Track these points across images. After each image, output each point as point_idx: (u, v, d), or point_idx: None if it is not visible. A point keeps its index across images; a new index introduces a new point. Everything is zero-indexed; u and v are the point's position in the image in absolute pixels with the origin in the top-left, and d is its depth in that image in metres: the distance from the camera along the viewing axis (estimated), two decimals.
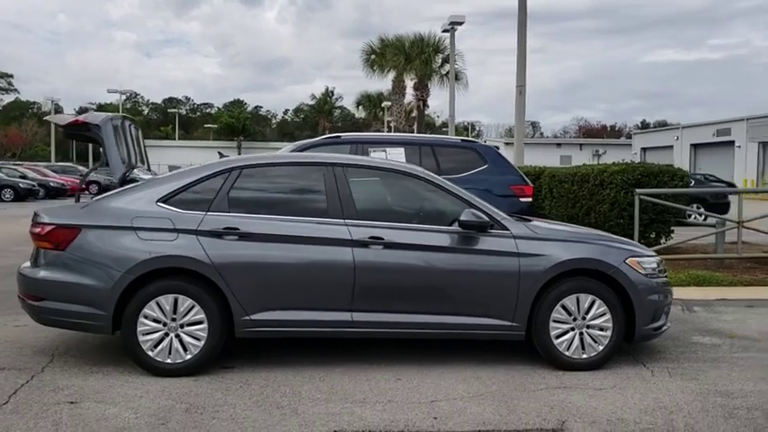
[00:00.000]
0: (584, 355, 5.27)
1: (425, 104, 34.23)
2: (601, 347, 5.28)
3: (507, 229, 5.29)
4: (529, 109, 26.40)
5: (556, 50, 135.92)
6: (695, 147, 54.39)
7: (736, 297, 8.06)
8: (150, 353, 4.93)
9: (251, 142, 75.78)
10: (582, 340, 5.27)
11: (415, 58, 33.10)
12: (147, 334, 4.93)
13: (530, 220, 5.83)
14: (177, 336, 4.96)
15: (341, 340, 5.57)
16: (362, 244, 5.09)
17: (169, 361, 4.94)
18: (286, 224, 5.10)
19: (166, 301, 4.93)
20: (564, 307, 5.25)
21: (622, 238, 6.06)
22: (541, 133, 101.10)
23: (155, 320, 4.93)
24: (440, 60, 34.37)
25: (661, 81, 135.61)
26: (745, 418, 4.36)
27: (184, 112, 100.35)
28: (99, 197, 5.36)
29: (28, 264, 5.33)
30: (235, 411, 4.33)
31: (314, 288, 5.08)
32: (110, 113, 5.56)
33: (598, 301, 5.26)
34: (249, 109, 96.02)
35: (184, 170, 5.52)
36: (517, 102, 17.19)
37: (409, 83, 36.17)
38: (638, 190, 9.01)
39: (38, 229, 5.07)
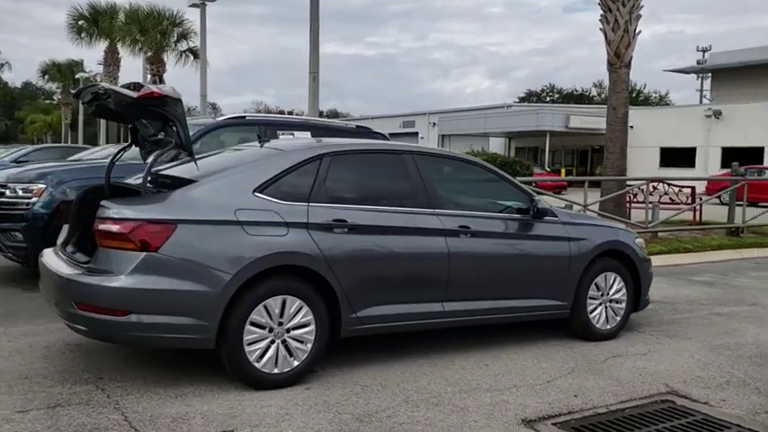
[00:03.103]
0: (608, 326, 5.93)
1: (162, 80, 32.02)
2: (619, 318, 6.00)
3: (556, 216, 5.69)
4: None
5: (226, 33, 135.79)
6: None
7: None
8: (257, 364, 4.28)
9: None
10: (606, 313, 5.93)
11: (152, 29, 30.70)
12: (253, 343, 4.28)
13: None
14: (283, 341, 4.39)
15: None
16: (454, 233, 5.06)
17: (277, 371, 4.35)
18: (386, 215, 4.82)
19: (275, 303, 4.33)
20: (596, 285, 5.85)
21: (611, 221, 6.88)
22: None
23: (260, 326, 4.30)
24: (176, 35, 32.48)
25: (325, 72, 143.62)
26: None
27: None
28: (168, 185, 4.37)
29: (73, 269, 4.18)
30: (405, 414, 4.06)
31: (414, 280, 4.91)
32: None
33: (618, 278, 5.97)
34: None
35: (262, 156, 4.80)
36: (311, 87, 17.34)
37: (138, 56, 33.45)
38: (518, 178, 10.05)
39: (115, 227, 4.01)
